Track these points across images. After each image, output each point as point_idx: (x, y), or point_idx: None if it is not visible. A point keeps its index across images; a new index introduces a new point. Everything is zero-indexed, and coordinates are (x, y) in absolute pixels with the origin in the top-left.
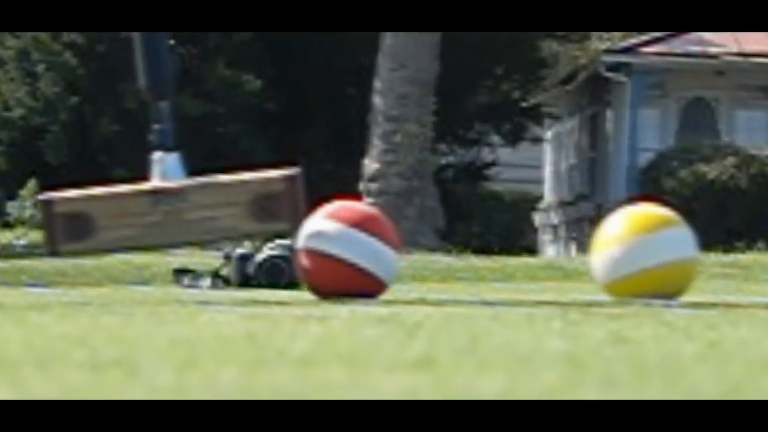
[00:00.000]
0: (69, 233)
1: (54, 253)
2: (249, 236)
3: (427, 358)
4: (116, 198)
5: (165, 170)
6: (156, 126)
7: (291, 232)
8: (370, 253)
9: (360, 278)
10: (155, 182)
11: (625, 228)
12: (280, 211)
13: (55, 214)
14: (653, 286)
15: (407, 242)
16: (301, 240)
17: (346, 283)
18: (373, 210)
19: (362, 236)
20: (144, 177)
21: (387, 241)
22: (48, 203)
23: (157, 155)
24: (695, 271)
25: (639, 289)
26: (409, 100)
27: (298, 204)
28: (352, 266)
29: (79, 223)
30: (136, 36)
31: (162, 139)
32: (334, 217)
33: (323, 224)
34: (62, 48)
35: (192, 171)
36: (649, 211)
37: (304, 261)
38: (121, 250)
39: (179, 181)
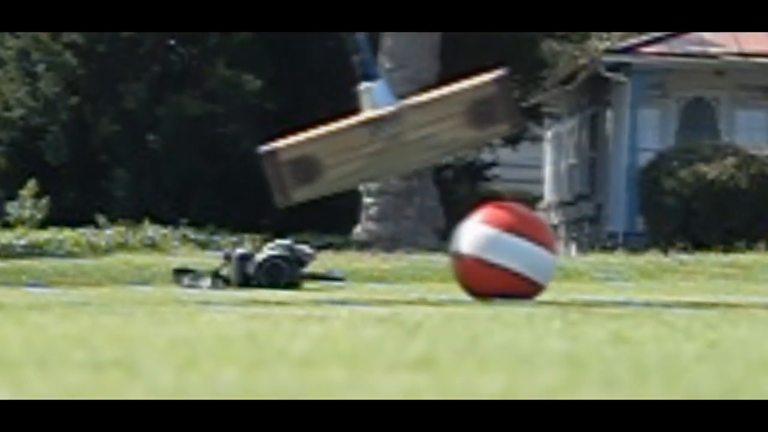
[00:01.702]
0: (298, 179)
1: (286, 202)
2: (471, 146)
3: (427, 358)
4: (336, 135)
5: (374, 99)
6: (356, 57)
7: (510, 131)
8: (525, 258)
9: (515, 282)
10: (368, 112)
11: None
12: (497, 114)
13: (281, 162)
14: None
15: (407, 242)
16: (457, 245)
17: (502, 287)
18: (526, 212)
19: (517, 241)
20: (143, 177)
21: (540, 242)
22: (272, 154)
23: (363, 86)
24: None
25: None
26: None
27: (513, 103)
28: (506, 271)
29: (306, 166)
30: None
31: (365, 68)
32: (488, 222)
33: (478, 229)
34: (62, 48)
35: (192, 171)
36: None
37: (459, 265)
38: (350, 185)
39: (391, 106)
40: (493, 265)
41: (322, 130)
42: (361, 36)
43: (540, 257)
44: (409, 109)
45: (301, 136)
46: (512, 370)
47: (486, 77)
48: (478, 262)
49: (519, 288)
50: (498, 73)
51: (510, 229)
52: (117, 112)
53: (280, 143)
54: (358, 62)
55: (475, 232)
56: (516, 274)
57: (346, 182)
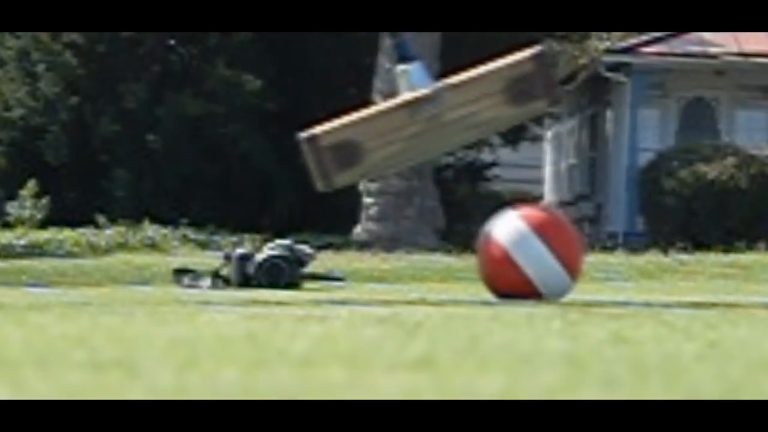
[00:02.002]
0: (339, 163)
1: (328, 187)
2: (511, 123)
3: (427, 358)
4: (375, 118)
5: (412, 80)
6: (393, 39)
7: (550, 107)
8: (541, 267)
9: (525, 286)
10: (406, 94)
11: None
12: (536, 90)
13: (322, 147)
14: None
15: (407, 242)
16: (493, 231)
17: (512, 287)
18: (568, 228)
19: (536, 244)
20: (143, 177)
21: (564, 261)
22: (312, 139)
23: (400, 68)
24: None
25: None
26: None
27: (551, 79)
28: (520, 273)
29: (347, 150)
30: None
31: (401, 51)
32: (526, 219)
33: (514, 223)
34: (62, 48)
35: (192, 171)
36: None
37: (487, 252)
38: (391, 168)
39: (429, 87)
40: (513, 263)
41: (362, 113)
42: None
43: (556, 273)
44: (447, 90)
45: (341, 121)
46: (512, 370)
47: (524, 54)
48: (505, 254)
49: (523, 292)
50: (536, 48)
51: (541, 234)
52: (117, 112)
53: (320, 128)
54: (394, 45)
55: (511, 225)
56: (526, 280)
57: (387, 165)
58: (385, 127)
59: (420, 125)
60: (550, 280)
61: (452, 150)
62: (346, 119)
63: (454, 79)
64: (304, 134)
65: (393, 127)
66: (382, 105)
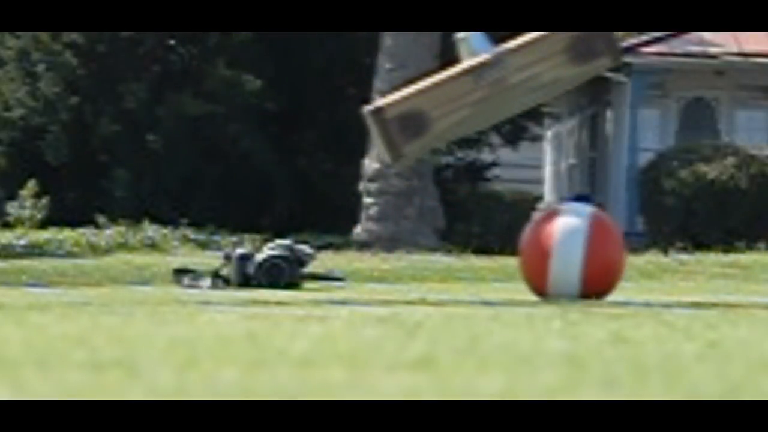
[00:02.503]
0: (408, 134)
1: (398, 158)
2: (574, 83)
3: (427, 358)
4: (439, 86)
5: (472, 47)
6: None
7: (612, 64)
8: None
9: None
10: (468, 61)
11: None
12: (598, 48)
13: (388, 119)
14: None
15: (407, 242)
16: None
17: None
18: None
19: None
20: (143, 177)
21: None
22: (378, 111)
23: (460, 35)
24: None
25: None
26: None
27: (611, 36)
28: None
29: (414, 120)
30: None
31: None
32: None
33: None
34: (62, 48)
35: (192, 171)
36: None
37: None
38: (458, 135)
39: (490, 52)
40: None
41: (425, 82)
42: None
43: (567, 281)
44: (509, 53)
45: (405, 91)
46: (512, 370)
47: None
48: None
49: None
50: None
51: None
52: (117, 112)
53: (384, 100)
54: None
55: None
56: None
57: (454, 132)
58: (449, 95)
59: (484, 90)
60: (562, 286)
61: (519, 112)
62: (409, 89)
63: (515, 42)
64: (369, 107)
65: (458, 94)
66: (444, 73)
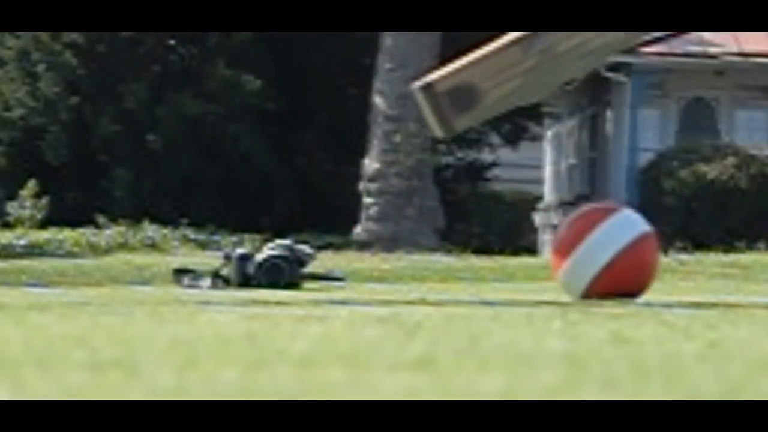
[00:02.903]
0: (458, 107)
1: (449, 133)
2: (623, 48)
3: (427, 358)
4: (489, 58)
5: None
6: None
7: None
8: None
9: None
10: (514, 33)
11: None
12: None
13: (439, 94)
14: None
15: (407, 242)
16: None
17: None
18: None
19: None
20: (143, 177)
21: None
22: (427, 87)
23: None
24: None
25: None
26: (409, 100)
27: None
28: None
29: (464, 93)
30: None
31: None
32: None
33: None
34: (62, 48)
35: (192, 171)
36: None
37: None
38: (511, 105)
39: None
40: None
41: (473, 55)
42: None
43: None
44: None
45: (454, 65)
46: (512, 370)
47: None
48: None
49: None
50: None
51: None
52: (117, 112)
53: (434, 75)
54: None
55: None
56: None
57: (506, 102)
58: (499, 66)
59: (534, 59)
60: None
61: (573, 77)
62: (457, 63)
63: None
64: (417, 83)
65: (507, 65)
66: (492, 45)
